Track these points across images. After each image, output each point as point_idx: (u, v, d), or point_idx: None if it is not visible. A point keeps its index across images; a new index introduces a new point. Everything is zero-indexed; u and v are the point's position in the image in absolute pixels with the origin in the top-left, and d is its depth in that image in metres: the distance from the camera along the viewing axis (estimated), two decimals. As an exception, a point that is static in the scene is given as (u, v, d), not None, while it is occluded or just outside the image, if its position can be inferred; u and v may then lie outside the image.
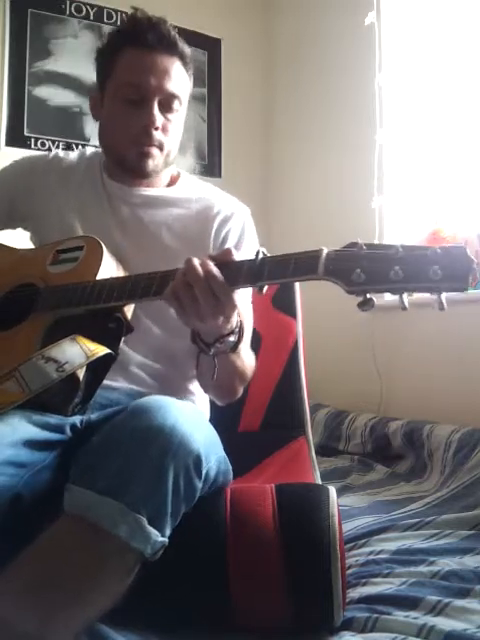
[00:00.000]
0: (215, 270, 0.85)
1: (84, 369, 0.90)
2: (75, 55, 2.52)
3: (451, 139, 2.33)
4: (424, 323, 2.16)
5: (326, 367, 2.29)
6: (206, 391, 1.15)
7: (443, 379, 2.10)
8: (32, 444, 0.89)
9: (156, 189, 1.18)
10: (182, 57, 1.11)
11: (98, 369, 0.93)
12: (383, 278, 0.73)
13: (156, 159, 1.11)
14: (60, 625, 0.78)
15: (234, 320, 0.92)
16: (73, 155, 1.24)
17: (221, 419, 1.12)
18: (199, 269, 0.85)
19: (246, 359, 1.07)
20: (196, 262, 0.86)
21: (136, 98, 1.08)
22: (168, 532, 0.84)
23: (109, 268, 1.02)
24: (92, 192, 1.17)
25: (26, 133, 2.45)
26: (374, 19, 2.43)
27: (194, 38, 2.81)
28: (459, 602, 1.02)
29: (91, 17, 2.59)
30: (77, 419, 0.97)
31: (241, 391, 1.12)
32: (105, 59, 1.12)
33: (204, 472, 0.88)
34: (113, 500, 0.80)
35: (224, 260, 0.87)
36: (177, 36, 1.10)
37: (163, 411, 0.87)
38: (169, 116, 1.11)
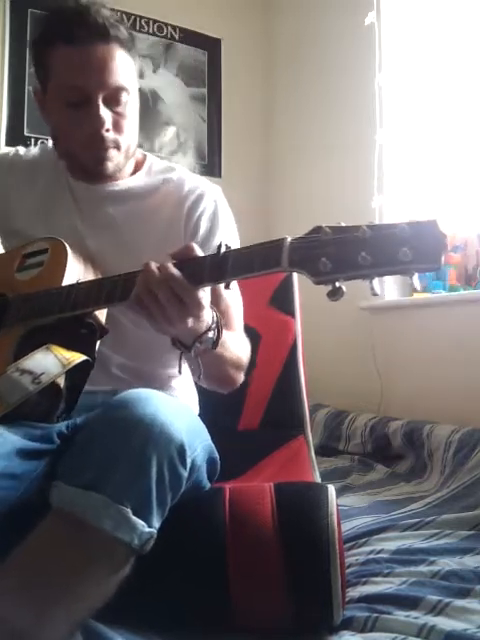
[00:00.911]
0: (175, 272, 0.82)
1: (64, 377, 0.89)
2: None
3: (451, 139, 2.32)
4: (424, 323, 2.16)
5: (326, 367, 2.29)
6: (202, 385, 1.12)
7: (443, 379, 2.10)
8: (24, 454, 0.88)
9: (121, 182, 1.13)
10: (119, 41, 1.00)
11: (78, 375, 0.91)
12: (351, 265, 0.70)
13: (115, 159, 1.06)
14: (54, 621, 0.78)
15: (208, 317, 0.89)
16: (35, 151, 1.19)
17: (220, 418, 1.12)
18: (157, 273, 0.82)
19: (234, 347, 1.03)
20: (153, 266, 0.83)
21: (78, 100, 1.00)
22: (156, 523, 0.84)
23: (75, 270, 0.99)
24: (57, 191, 1.13)
25: (26, 133, 2.44)
26: (374, 19, 2.43)
27: (194, 38, 2.82)
28: (459, 602, 1.02)
29: (91, 17, 2.59)
30: (63, 425, 0.96)
31: (241, 377, 1.08)
32: (36, 57, 1.04)
33: (189, 461, 0.87)
34: (96, 493, 0.80)
35: (185, 257, 0.84)
36: (109, 20, 0.99)
37: (143, 402, 0.87)
38: (118, 110, 1.03)
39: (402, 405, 2.22)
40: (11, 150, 1.20)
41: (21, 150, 1.19)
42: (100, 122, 1.01)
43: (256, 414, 1.42)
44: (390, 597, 1.05)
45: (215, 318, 0.91)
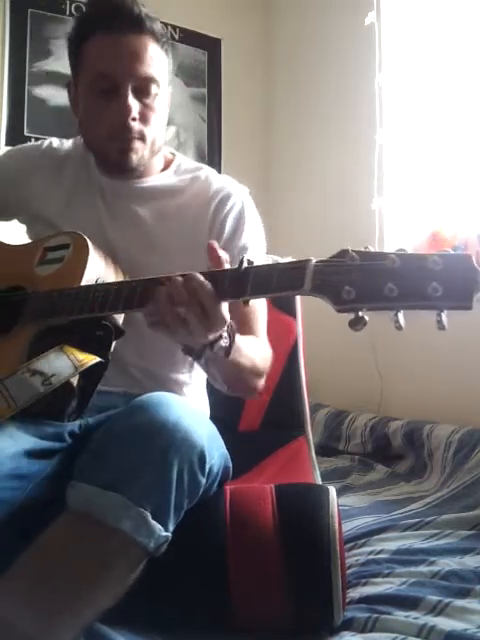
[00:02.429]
0: (206, 284, 0.78)
1: (77, 377, 0.88)
2: (75, 55, 2.51)
3: (451, 139, 2.32)
4: (424, 323, 2.16)
5: (326, 367, 2.29)
6: (224, 391, 1.08)
7: (443, 379, 2.10)
8: (32, 454, 0.88)
9: (149, 179, 1.12)
10: (153, 34, 1.01)
11: (91, 376, 0.91)
12: (376, 295, 0.66)
13: (139, 152, 1.04)
14: (61, 624, 0.78)
15: (222, 327, 0.85)
16: (68, 144, 1.19)
17: (221, 418, 1.12)
18: (185, 285, 0.79)
19: (252, 353, 0.99)
20: (179, 280, 0.79)
21: (108, 88, 1.00)
22: (171, 527, 0.84)
23: (96, 267, 0.98)
24: (86, 185, 1.12)
25: (26, 133, 2.44)
26: (374, 19, 2.43)
27: (194, 38, 2.81)
28: (459, 602, 1.02)
29: (91, 17, 2.59)
30: (76, 425, 0.96)
31: (261, 383, 1.04)
32: (72, 50, 1.05)
33: (208, 468, 0.88)
34: (117, 494, 0.80)
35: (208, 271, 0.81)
36: (145, 13, 1.01)
37: (165, 407, 0.86)
38: (147, 101, 1.03)
39: (402, 405, 2.22)
40: (45, 142, 1.20)
41: (55, 142, 1.19)
42: (127, 110, 1.00)
43: (257, 414, 1.42)
44: (390, 597, 1.05)
45: (228, 327, 0.88)
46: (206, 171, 1.17)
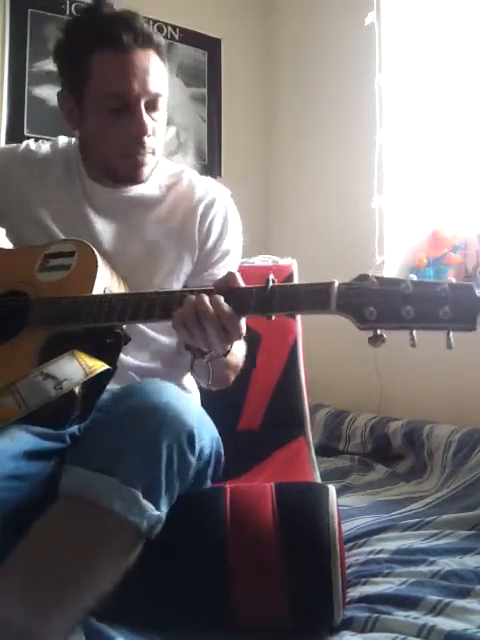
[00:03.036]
0: (227, 308, 0.84)
1: (81, 384, 0.90)
2: (75, 55, 2.51)
3: (451, 139, 2.32)
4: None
5: (326, 367, 2.29)
6: (203, 385, 1.15)
7: (443, 379, 2.10)
8: (32, 455, 0.89)
9: (135, 187, 1.14)
10: (157, 48, 1.05)
11: (97, 383, 0.92)
12: (395, 317, 0.75)
13: (150, 165, 1.10)
14: (57, 617, 0.78)
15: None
16: (46, 147, 1.19)
17: (221, 418, 1.12)
18: (211, 310, 0.84)
19: (239, 352, 1.07)
20: (207, 302, 0.84)
21: (120, 106, 1.02)
22: (164, 508, 0.85)
23: (104, 278, 0.99)
24: (70, 192, 1.13)
25: (26, 133, 2.44)
26: (374, 19, 2.43)
27: (194, 38, 2.81)
28: (459, 602, 1.02)
29: (91, 17, 2.59)
30: (75, 427, 0.97)
31: (234, 378, 1.12)
32: (74, 63, 1.05)
33: (197, 448, 0.89)
34: (108, 476, 0.81)
35: (230, 288, 0.86)
36: (149, 28, 1.04)
37: (156, 391, 0.89)
38: (155, 116, 1.06)
39: (402, 405, 2.22)
40: (22, 144, 1.19)
41: (32, 144, 1.19)
42: (143, 128, 1.03)
43: (256, 414, 1.42)
44: (390, 597, 1.05)
45: None
46: (188, 174, 1.20)
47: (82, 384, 0.90)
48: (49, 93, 2.48)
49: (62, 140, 1.21)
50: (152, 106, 1.05)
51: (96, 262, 0.99)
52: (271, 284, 0.83)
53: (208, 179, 1.21)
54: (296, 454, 1.33)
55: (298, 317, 1.48)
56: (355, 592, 1.09)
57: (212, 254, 1.14)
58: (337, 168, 2.62)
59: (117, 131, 1.04)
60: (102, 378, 0.92)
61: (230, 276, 0.87)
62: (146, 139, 1.05)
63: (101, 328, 0.93)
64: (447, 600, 1.02)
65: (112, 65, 1.01)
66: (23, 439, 0.88)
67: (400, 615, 0.99)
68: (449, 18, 2.32)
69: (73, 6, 2.56)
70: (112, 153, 1.07)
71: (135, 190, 1.14)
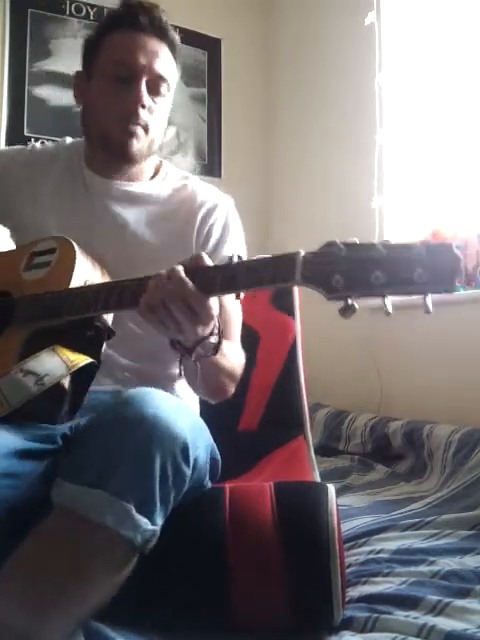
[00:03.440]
0: (187, 282, 0.82)
1: (68, 378, 0.89)
2: (75, 55, 2.48)
3: (451, 139, 2.32)
4: (424, 323, 2.16)
5: (326, 367, 2.29)
6: (195, 392, 1.14)
7: (443, 379, 2.10)
8: (24, 454, 0.88)
9: (138, 184, 1.16)
10: (171, 45, 1.11)
11: (82, 378, 0.91)
12: (364, 283, 0.70)
13: (140, 141, 1.09)
14: (55, 622, 0.78)
15: (211, 323, 0.89)
16: (50, 147, 1.22)
17: (220, 418, 1.12)
18: (169, 282, 0.82)
19: (233, 357, 1.05)
20: (164, 274, 0.83)
21: (125, 75, 1.07)
22: (159, 521, 0.84)
23: (84, 270, 0.99)
24: (71, 187, 1.14)
25: (26, 133, 2.45)
26: (374, 19, 2.43)
27: (194, 38, 2.81)
28: (459, 602, 1.02)
29: (91, 17, 2.59)
30: (67, 427, 0.96)
31: (233, 389, 1.10)
32: (92, 42, 1.12)
33: (192, 459, 0.87)
34: (99, 490, 0.80)
35: (195, 267, 0.85)
36: (169, 25, 1.11)
37: (145, 400, 0.87)
38: (156, 99, 1.10)
39: (402, 405, 2.22)
40: (28, 145, 1.22)
41: (37, 145, 1.22)
42: (138, 97, 1.07)
43: (256, 414, 1.42)
44: (390, 597, 1.05)
45: (217, 324, 0.91)
46: (193, 181, 1.21)
47: (70, 378, 0.89)
48: (49, 93, 2.48)
49: (67, 140, 1.23)
50: (154, 89, 1.09)
51: (74, 256, 0.99)
52: (236, 259, 0.81)
53: (211, 187, 1.22)
54: (295, 454, 1.33)
55: (297, 316, 1.48)
56: (355, 592, 1.09)
57: (212, 259, 1.13)
58: (337, 168, 2.62)
59: (116, 97, 1.08)
60: (87, 373, 0.91)
61: (196, 256, 0.86)
62: (141, 110, 1.07)
63: (80, 321, 0.92)
64: (447, 600, 1.02)
65: (125, 39, 1.08)
66: (14, 439, 0.88)
67: (400, 615, 0.99)
68: (449, 18, 2.32)
69: (73, 6, 2.57)
70: (108, 118, 1.09)
71: (135, 186, 1.15)
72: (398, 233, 2.40)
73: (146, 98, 1.07)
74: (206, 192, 1.18)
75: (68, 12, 2.56)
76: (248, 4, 2.99)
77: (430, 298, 0.69)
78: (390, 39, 2.46)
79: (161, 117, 1.12)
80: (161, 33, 1.09)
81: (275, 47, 3.01)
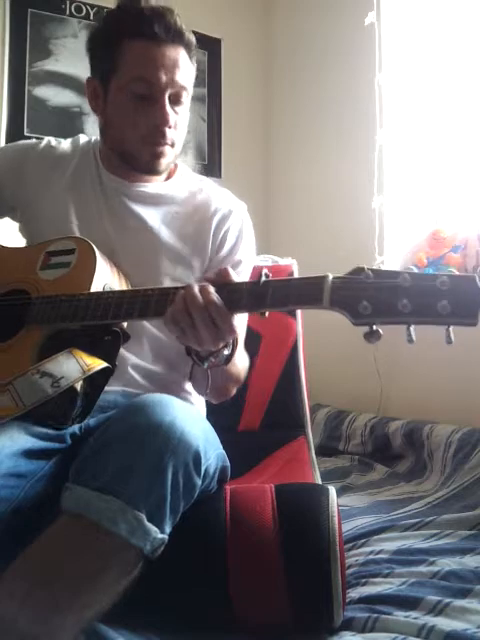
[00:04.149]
0: (216, 298, 0.82)
1: (81, 382, 0.89)
2: (75, 55, 2.51)
3: (451, 139, 2.32)
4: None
5: (326, 367, 2.29)
6: (200, 394, 1.14)
7: (443, 379, 2.10)
8: (31, 454, 0.88)
9: (155, 184, 1.15)
10: (188, 47, 1.07)
11: (96, 381, 0.91)
12: (391, 311, 0.71)
13: (168, 157, 1.09)
14: (62, 625, 0.78)
15: (230, 338, 0.89)
16: (66, 143, 1.20)
17: (221, 418, 1.12)
18: (199, 298, 0.82)
19: (240, 363, 1.06)
20: (196, 290, 0.83)
21: (145, 93, 1.04)
22: (168, 529, 0.84)
23: (103, 274, 0.99)
24: (88, 185, 1.14)
25: (26, 133, 2.44)
26: (374, 19, 2.42)
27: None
28: (459, 602, 1.02)
29: (91, 17, 2.59)
30: (76, 426, 0.96)
31: (235, 391, 1.11)
32: (107, 49, 1.07)
33: (203, 469, 0.88)
34: (112, 497, 0.80)
35: (223, 282, 0.85)
36: (183, 25, 1.07)
37: (161, 408, 0.87)
38: (178, 110, 1.08)
39: (402, 405, 2.22)
40: (43, 140, 1.21)
41: (53, 141, 1.20)
42: (165, 118, 1.05)
43: (257, 414, 1.42)
44: (390, 597, 1.05)
45: (232, 337, 0.91)
46: (208, 184, 1.21)
47: (83, 381, 0.89)
48: (49, 93, 2.48)
49: (83, 138, 1.22)
50: (176, 99, 1.06)
51: (95, 259, 0.99)
52: (264, 278, 0.80)
53: (226, 191, 1.22)
54: (296, 454, 1.33)
55: (298, 317, 1.48)
56: (355, 592, 1.09)
57: (224, 263, 1.13)
58: (337, 168, 2.62)
59: (140, 117, 1.05)
60: (101, 376, 0.91)
61: (223, 270, 0.86)
62: (167, 130, 1.05)
63: (99, 325, 0.92)
64: (447, 600, 1.02)
65: (143, 53, 1.04)
66: (22, 438, 0.88)
67: (400, 615, 0.99)
68: (449, 18, 2.32)
69: (73, 6, 2.56)
70: (133, 139, 1.07)
71: (151, 188, 1.14)
72: (398, 233, 2.40)
73: (172, 117, 1.05)
74: (221, 198, 1.18)
75: (68, 12, 2.55)
76: (248, 4, 2.99)
77: (452, 330, 0.71)
78: (390, 39, 2.45)
79: (184, 125, 1.11)
80: (179, 38, 1.05)
81: (275, 47, 3.00)
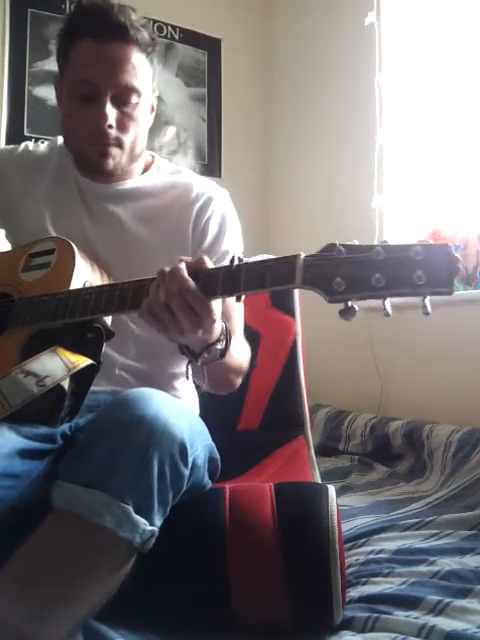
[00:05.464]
0: (190, 282, 0.81)
1: (68, 380, 0.88)
2: (75, 55, 2.51)
3: (451, 139, 2.32)
4: (424, 322, 2.16)
5: (326, 367, 2.29)
6: (204, 389, 1.14)
7: (443, 379, 2.10)
8: (24, 454, 0.88)
9: (130, 180, 1.14)
10: (138, 43, 1.02)
11: (82, 379, 0.91)
12: (364, 285, 0.70)
13: (116, 157, 1.06)
14: (55, 622, 0.78)
15: (218, 328, 0.89)
16: (43, 147, 1.20)
17: (220, 418, 1.12)
18: (172, 281, 0.82)
19: (238, 354, 1.04)
20: (167, 273, 0.83)
21: (88, 94, 1.02)
22: (158, 522, 0.84)
23: (83, 272, 0.99)
24: (64, 188, 1.13)
25: (26, 133, 2.44)
26: (374, 19, 2.43)
27: (194, 38, 2.82)
28: (459, 602, 1.02)
29: (91, 17, 2.59)
30: (66, 426, 0.96)
31: (239, 381, 1.10)
32: (60, 49, 1.07)
33: (190, 459, 0.87)
34: (97, 491, 0.80)
35: (197, 268, 0.84)
36: (131, 21, 1.01)
37: (144, 401, 0.87)
38: (126, 110, 1.04)
39: (402, 405, 2.22)
40: (21, 145, 1.20)
41: (30, 145, 1.20)
42: (103, 118, 1.02)
43: (256, 414, 1.42)
44: (390, 597, 1.05)
45: (224, 329, 0.91)
46: (186, 174, 1.19)
47: (69, 379, 0.89)
48: (49, 93, 2.48)
49: (61, 139, 1.21)
50: (122, 100, 1.03)
51: (74, 257, 0.99)
52: (237, 262, 0.80)
53: (205, 179, 1.19)
54: (296, 454, 1.33)
55: (298, 316, 1.48)
56: (355, 592, 1.09)
57: (210, 255, 1.12)
58: (337, 168, 2.62)
59: (82, 118, 1.04)
60: (87, 373, 0.91)
61: (199, 258, 0.85)
62: (108, 130, 1.03)
63: (80, 323, 0.92)
64: (447, 600, 1.02)
65: (85, 53, 1.02)
66: (15, 439, 0.88)
67: (400, 615, 0.99)
68: (449, 18, 2.32)
69: (73, 6, 2.56)
70: (80, 140, 1.07)
71: (126, 184, 1.13)
72: (398, 233, 2.40)
73: (112, 115, 1.02)
74: (201, 185, 1.15)
75: (68, 12, 2.55)
76: (248, 4, 2.99)
77: (429, 300, 0.69)
78: (390, 39, 2.46)
79: (138, 124, 1.07)
80: (123, 35, 1.00)
81: (275, 47, 3.01)
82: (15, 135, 2.42)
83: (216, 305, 0.84)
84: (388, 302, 0.71)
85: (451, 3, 2.32)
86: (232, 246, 1.14)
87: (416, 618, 0.98)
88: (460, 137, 2.29)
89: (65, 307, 0.92)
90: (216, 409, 1.20)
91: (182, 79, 2.81)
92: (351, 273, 0.71)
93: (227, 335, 0.93)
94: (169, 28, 2.77)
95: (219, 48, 2.89)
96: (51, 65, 2.50)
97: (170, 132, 2.75)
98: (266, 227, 2.83)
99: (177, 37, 2.78)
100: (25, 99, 2.45)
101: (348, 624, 0.97)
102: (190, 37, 2.81)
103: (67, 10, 2.55)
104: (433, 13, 2.37)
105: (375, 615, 0.98)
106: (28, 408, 0.85)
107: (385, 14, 2.45)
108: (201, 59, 2.86)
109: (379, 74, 2.44)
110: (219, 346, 0.92)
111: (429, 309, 0.69)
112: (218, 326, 0.89)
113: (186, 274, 0.82)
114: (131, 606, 0.91)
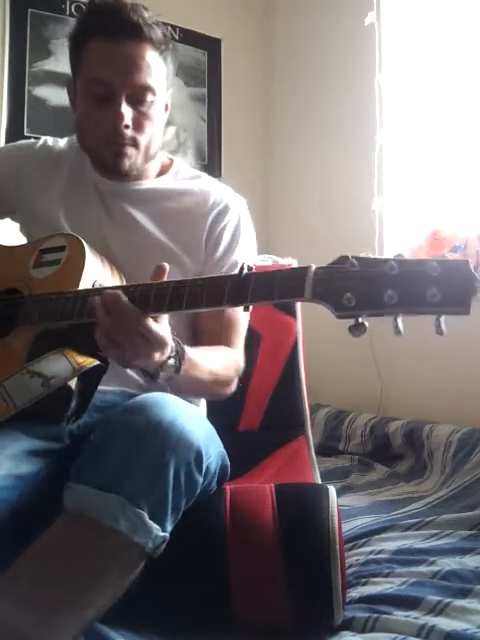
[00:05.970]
0: (129, 306, 0.81)
1: (75, 380, 0.88)
2: (75, 55, 2.51)
3: (451, 139, 2.32)
4: (424, 323, 2.16)
5: (326, 367, 2.29)
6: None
7: (443, 379, 2.10)
8: (31, 454, 0.88)
9: (147, 181, 1.14)
10: (152, 42, 1.02)
11: (90, 379, 0.91)
12: (376, 302, 0.67)
13: (132, 157, 1.06)
14: (61, 625, 0.78)
15: (168, 348, 0.86)
16: (62, 143, 1.20)
17: (221, 419, 1.12)
18: (129, 319, 0.81)
19: (210, 364, 1.00)
20: (98, 302, 0.83)
21: (104, 94, 1.01)
22: (169, 527, 0.84)
23: (93, 271, 0.98)
24: (81, 185, 1.13)
25: (26, 133, 2.44)
26: (374, 19, 2.43)
27: (194, 38, 2.81)
28: (459, 602, 1.02)
29: (91, 17, 2.59)
30: (74, 425, 0.96)
31: (228, 390, 1.08)
32: (72, 50, 1.06)
33: (205, 467, 0.88)
34: (113, 495, 0.80)
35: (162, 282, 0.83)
36: (144, 19, 1.01)
37: (161, 406, 0.87)
38: (142, 109, 1.04)
39: (402, 405, 2.22)
40: (40, 140, 1.20)
41: (49, 140, 1.20)
42: (119, 118, 1.01)
43: (256, 414, 1.42)
44: (390, 597, 1.05)
45: (175, 346, 0.89)
46: (205, 179, 1.19)
47: (77, 379, 0.88)
48: (49, 93, 2.48)
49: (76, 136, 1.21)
50: (137, 99, 1.03)
51: (84, 255, 0.98)
52: (246, 271, 0.77)
53: (224, 186, 1.19)
54: (296, 454, 1.33)
55: (298, 316, 1.48)
56: (355, 592, 1.09)
57: (220, 265, 1.11)
58: (337, 168, 2.62)
59: (98, 118, 1.03)
60: (94, 374, 0.90)
61: (160, 268, 0.85)
62: (124, 130, 1.02)
63: (87, 324, 0.91)
64: (447, 600, 1.02)
65: (98, 53, 1.01)
66: (22, 438, 0.88)
67: (400, 615, 0.99)
68: (449, 18, 2.32)
69: (73, 6, 2.56)
70: (95, 139, 1.06)
71: (142, 185, 1.13)
72: (398, 233, 2.40)
73: (128, 115, 1.02)
74: (219, 192, 1.15)
75: (68, 12, 2.55)
76: (248, 4, 2.99)
77: (443, 320, 0.66)
78: (390, 39, 2.46)
79: (153, 123, 1.07)
80: (136, 35, 1.00)
81: (275, 47, 3.00)
82: (15, 135, 2.41)
83: (162, 326, 0.83)
84: (400, 320, 0.68)
85: (451, 3, 2.31)
86: (244, 256, 1.13)
87: (416, 618, 0.98)
88: (460, 137, 2.29)
89: (72, 308, 0.91)
90: (217, 409, 1.20)
91: (182, 79, 2.81)
92: (362, 288, 0.68)
93: (179, 352, 0.90)
94: (169, 28, 2.74)
95: (219, 48, 2.89)
96: (51, 65, 2.49)
97: (170, 132, 2.75)
98: (266, 227, 2.83)
99: (177, 37, 2.78)
100: (25, 99, 2.44)
101: (348, 624, 0.98)
102: (190, 37, 2.81)
103: (67, 10, 2.55)
104: (433, 13, 2.37)
105: (375, 615, 0.98)
106: (34, 407, 0.85)
107: (385, 14, 2.45)
108: (201, 59, 2.85)
109: (379, 74, 2.44)
110: (171, 363, 0.89)
111: (444, 328, 0.66)
112: (168, 345, 0.86)
113: (125, 297, 0.82)
114: (132, 606, 0.91)
